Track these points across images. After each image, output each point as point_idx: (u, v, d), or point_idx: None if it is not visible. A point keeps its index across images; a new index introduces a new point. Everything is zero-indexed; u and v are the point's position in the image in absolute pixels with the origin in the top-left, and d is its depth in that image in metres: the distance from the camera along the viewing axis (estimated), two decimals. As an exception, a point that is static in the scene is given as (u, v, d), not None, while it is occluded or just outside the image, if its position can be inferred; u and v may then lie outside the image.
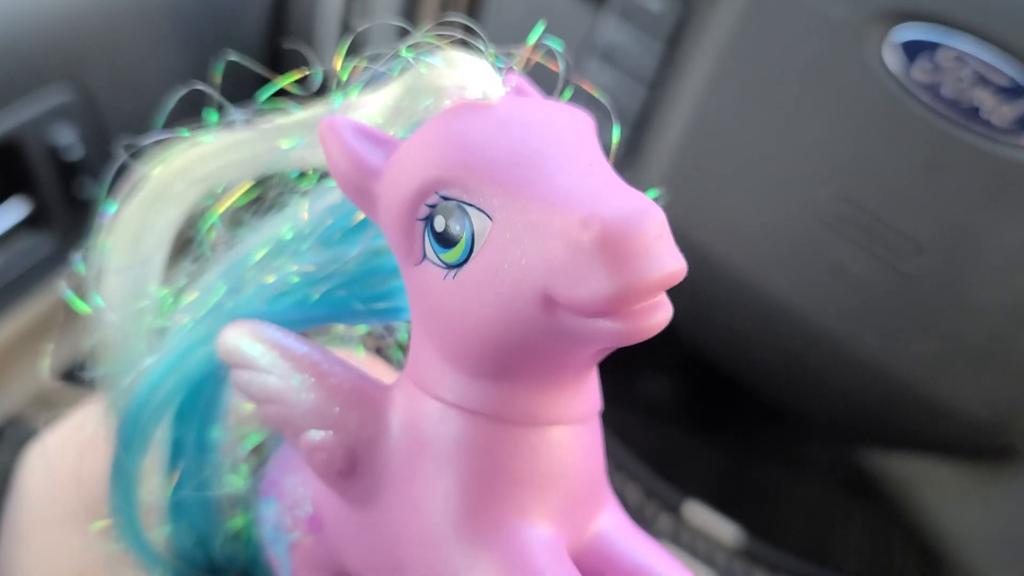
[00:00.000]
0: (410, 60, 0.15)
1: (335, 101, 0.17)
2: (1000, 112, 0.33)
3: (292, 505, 0.18)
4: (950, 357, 0.35)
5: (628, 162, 0.40)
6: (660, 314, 0.12)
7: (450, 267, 0.13)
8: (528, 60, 0.17)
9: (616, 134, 0.19)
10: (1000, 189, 0.33)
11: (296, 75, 0.18)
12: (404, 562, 0.14)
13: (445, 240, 0.13)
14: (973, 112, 0.33)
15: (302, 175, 0.18)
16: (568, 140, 0.13)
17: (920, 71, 0.33)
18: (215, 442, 0.19)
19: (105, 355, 0.19)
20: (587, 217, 0.11)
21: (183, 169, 0.18)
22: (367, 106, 0.16)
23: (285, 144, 0.17)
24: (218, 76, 0.20)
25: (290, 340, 0.16)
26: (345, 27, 0.51)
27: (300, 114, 0.17)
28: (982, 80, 0.33)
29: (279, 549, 0.18)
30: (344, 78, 0.17)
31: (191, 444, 0.19)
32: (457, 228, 0.13)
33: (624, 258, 0.11)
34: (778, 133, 0.35)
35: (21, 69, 0.52)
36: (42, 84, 0.52)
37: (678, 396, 0.67)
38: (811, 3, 0.34)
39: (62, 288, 0.19)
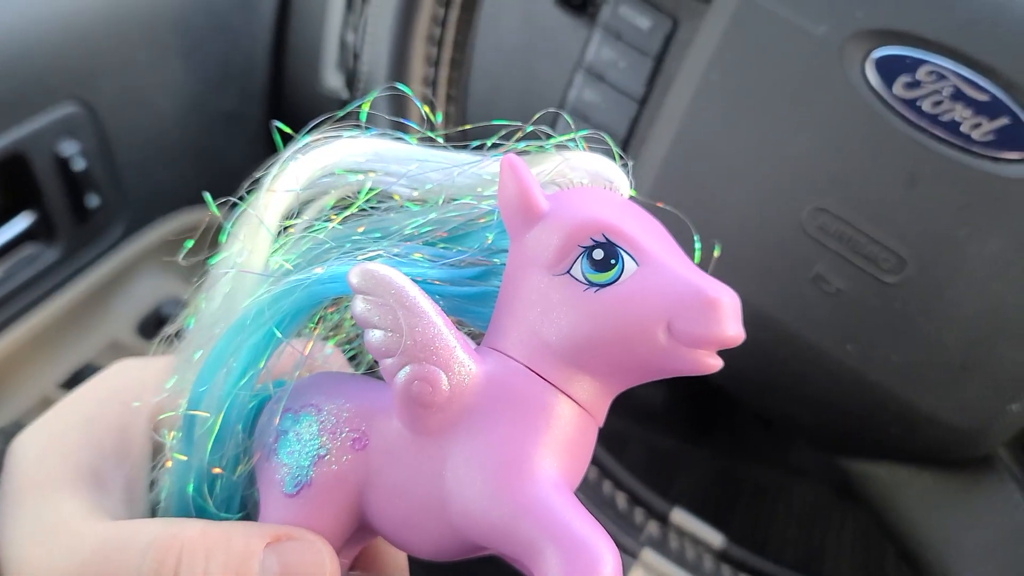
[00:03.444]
0: (559, 149, 0.22)
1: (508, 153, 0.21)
2: (979, 127, 0.33)
3: (334, 427, 0.20)
4: (931, 367, 0.35)
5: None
6: (720, 359, 0.19)
7: (593, 285, 0.19)
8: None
9: (698, 247, 0.26)
10: (980, 202, 0.34)
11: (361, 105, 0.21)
12: (445, 487, 0.19)
13: (599, 266, 0.19)
14: (953, 127, 0.34)
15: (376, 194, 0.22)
16: (667, 237, 0.20)
17: (901, 87, 0.34)
18: (251, 379, 0.21)
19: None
20: (709, 287, 0.18)
21: (323, 158, 0.21)
22: (535, 165, 0.22)
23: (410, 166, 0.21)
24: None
25: (419, 288, 0.20)
26: (343, 45, 0.52)
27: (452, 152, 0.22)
28: (962, 96, 0.33)
29: (303, 461, 0.20)
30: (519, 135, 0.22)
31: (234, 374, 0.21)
32: (612, 262, 0.19)
33: (722, 318, 0.18)
34: (761, 147, 0.36)
35: (30, 87, 0.53)
36: (50, 102, 0.53)
37: (671, 401, 0.67)
38: (794, 20, 0.35)
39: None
